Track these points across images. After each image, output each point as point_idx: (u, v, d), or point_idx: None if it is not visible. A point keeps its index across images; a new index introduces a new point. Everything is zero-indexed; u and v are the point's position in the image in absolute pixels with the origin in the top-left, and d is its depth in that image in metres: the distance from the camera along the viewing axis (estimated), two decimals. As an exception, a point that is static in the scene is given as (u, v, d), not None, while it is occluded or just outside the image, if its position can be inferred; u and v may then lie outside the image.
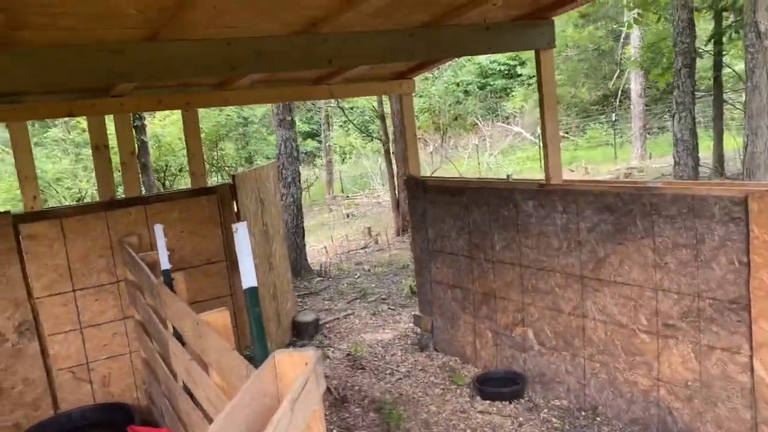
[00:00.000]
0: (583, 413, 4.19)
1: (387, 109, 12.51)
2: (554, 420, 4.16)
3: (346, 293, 7.82)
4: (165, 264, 3.17)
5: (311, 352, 1.84)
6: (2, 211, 4.26)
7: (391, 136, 11.52)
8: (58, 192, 20.41)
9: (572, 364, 4.31)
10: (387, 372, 5.23)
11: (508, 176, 4.73)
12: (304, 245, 8.66)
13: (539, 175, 19.27)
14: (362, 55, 3.63)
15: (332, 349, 5.91)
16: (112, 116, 4.80)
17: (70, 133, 21.75)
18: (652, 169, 15.23)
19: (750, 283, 3.25)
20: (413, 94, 5.58)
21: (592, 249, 4.04)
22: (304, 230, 8.63)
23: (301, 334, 6.30)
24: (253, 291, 1.93)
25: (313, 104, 22.61)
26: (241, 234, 1.90)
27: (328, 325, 6.62)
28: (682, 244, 3.54)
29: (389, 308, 6.96)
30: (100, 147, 4.53)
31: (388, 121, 11.84)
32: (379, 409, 4.53)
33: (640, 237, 3.75)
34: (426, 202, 5.44)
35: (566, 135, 23.43)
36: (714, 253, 3.40)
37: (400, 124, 5.58)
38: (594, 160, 19.94)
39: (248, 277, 1.92)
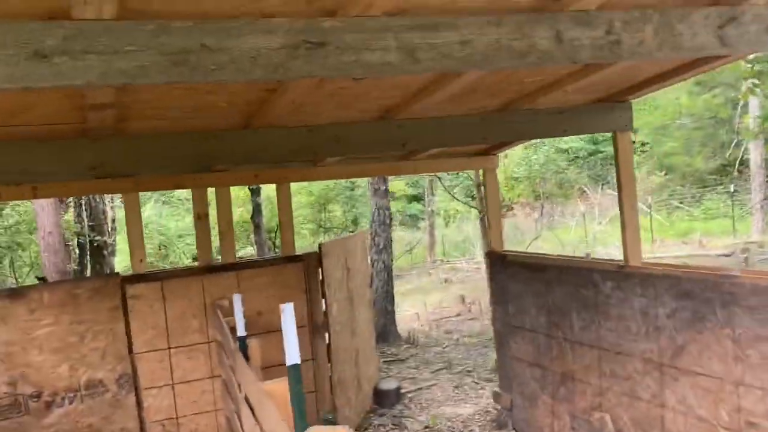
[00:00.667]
0: None
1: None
2: None
3: (432, 362, 7.83)
4: (241, 331, 3.42)
5: (343, 429, 1.98)
6: (114, 272, 4.76)
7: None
8: (178, 248, 21.96)
9: (651, 456, 4.10)
10: (462, 448, 5.19)
11: (587, 255, 4.68)
12: (394, 311, 8.81)
13: (647, 247, 18.50)
14: (435, 140, 3.83)
15: (411, 419, 5.94)
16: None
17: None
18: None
19: (838, 385, 3.03)
20: (496, 169, 5.70)
21: (671, 336, 3.90)
22: (393, 296, 8.80)
23: (382, 401, 6.37)
24: (296, 368, 2.10)
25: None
26: (288, 314, 2.09)
27: (410, 395, 6.65)
28: (765, 336, 3.36)
29: (473, 381, 6.89)
30: (201, 216, 4.98)
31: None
32: (448, 487, 4.50)
33: (720, 327, 3.59)
34: (506, 276, 5.46)
35: (680, 205, 22.37)
36: (798, 349, 3.20)
37: (485, 198, 5.69)
38: (711, 232, 18.85)
39: (292, 355, 2.09)
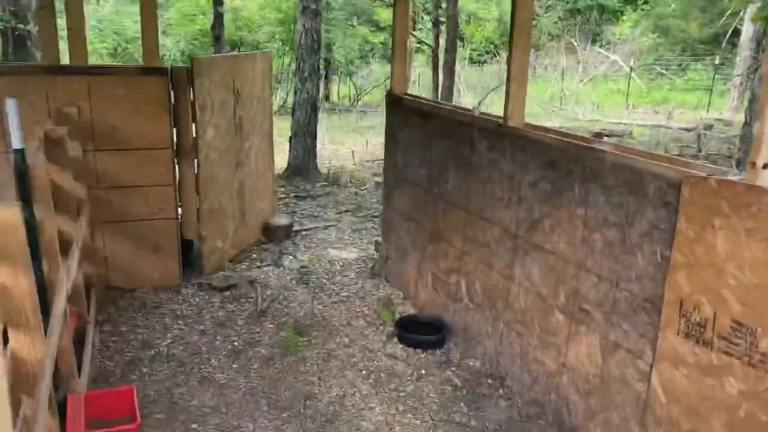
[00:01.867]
0: (489, 381, 3.83)
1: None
2: (456, 381, 3.82)
3: (343, 203, 7.54)
4: (16, 143, 2.93)
5: None
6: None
7: (443, 44, 10.73)
8: (133, 49, 20.53)
9: (493, 326, 3.91)
10: (327, 293, 5.00)
11: (474, 108, 4.15)
12: (315, 146, 8.35)
13: (618, 112, 17.88)
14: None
15: (291, 257, 5.72)
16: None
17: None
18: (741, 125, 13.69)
19: (666, 283, 2.70)
20: (409, -1, 4.97)
21: (530, 207, 3.52)
22: (316, 130, 8.29)
23: (271, 237, 6.12)
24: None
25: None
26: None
27: (304, 233, 6.41)
28: (613, 222, 2.98)
29: (373, 227, 6.63)
30: (46, 6, 4.28)
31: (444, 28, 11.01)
32: (292, 329, 4.32)
33: (575, 205, 3.20)
34: (399, 122, 4.96)
35: (664, 72, 21.43)
36: (640, 240, 2.84)
37: (393, 29, 4.99)
38: (686, 104, 18.22)
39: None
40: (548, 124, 13.31)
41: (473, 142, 3.98)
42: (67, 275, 3.36)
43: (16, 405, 2.34)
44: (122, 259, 4.81)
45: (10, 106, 2.88)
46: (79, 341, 3.88)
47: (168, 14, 21.42)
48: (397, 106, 4.98)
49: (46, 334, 2.69)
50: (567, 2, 26.26)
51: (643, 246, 2.83)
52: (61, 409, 3.19)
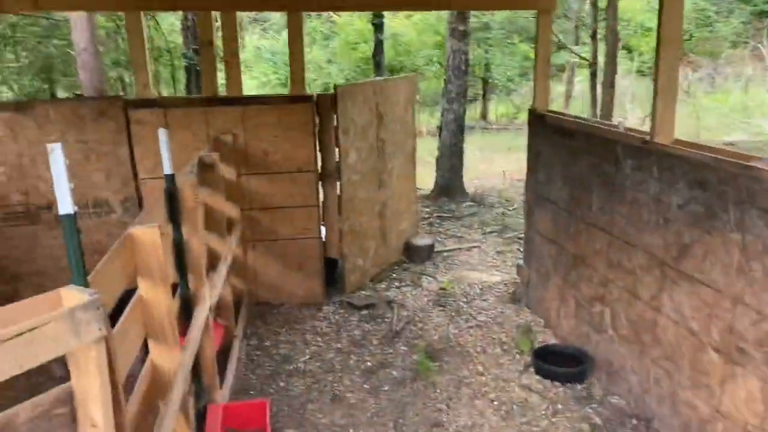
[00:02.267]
0: (634, 422, 3.49)
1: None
2: (596, 419, 3.53)
3: (488, 224, 7.38)
4: (167, 168, 3.20)
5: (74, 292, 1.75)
6: (115, 95, 4.69)
7: (602, 58, 10.21)
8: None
9: (639, 362, 3.57)
10: (464, 317, 4.89)
11: (619, 123, 3.85)
12: (461, 167, 8.28)
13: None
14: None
15: (431, 279, 5.68)
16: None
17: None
18: None
19: (841, 325, 2.29)
20: (552, 11, 4.77)
21: (679, 231, 3.18)
22: (462, 151, 8.23)
23: (412, 257, 6.14)
24: (68, 219, 1.83)
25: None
26: (56, 155, 1.78)
27: (445, 254, 6.35)
28: (775, 250, 2.60)
29: (518, 249, 6.41)
30: (205, 44, 4.68)
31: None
32: (423, 353, 4.27)
33: (729, 229, 2.84)
34: (542, 140, 4.75)
35: None
36: (809, 272, 2.44)
37: (536, 45, 4.82)
38: None
39: (63, 203, 1.82)
40: (726, 139, 12.11)
41: (618, 160, 3.70)
42: (213, 290, 3.60)
43: (152, 409, 2.53)
44: (270, 276, 5.08)
45: (162, 136, 3.17)
46: (225, 353, 4.14)
47: (333, 44, 22.63)
48: (540, 123, 4.78)
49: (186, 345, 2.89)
50: (755, 4, 23.89)
51: (812, 279, 2.43)
52: (201, 417, 3.40)
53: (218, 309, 4.28)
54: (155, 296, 2.57)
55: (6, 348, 1.49)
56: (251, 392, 3.89)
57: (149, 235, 2.51)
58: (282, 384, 3.97)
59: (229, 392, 3.81)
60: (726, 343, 2.90)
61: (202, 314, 3.21)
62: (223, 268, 3.91)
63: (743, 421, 2.80)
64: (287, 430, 3.50)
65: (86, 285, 1.89)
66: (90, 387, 1.77)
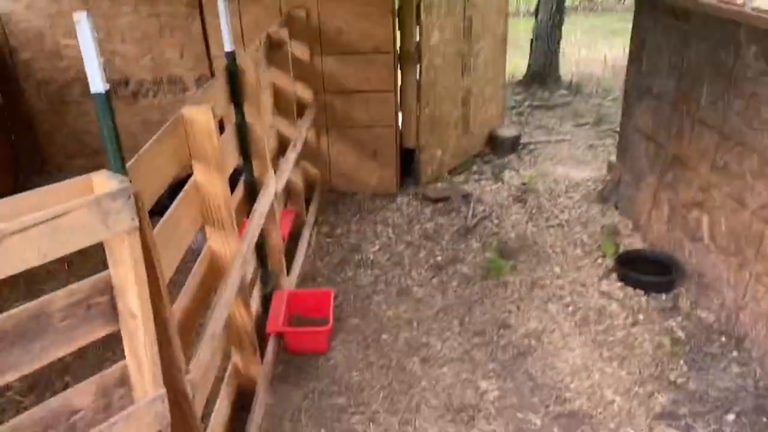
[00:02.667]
0: (723, 339, 3.21)
1: None
2: (680, 333, 3.27)
3: (582, 115, 6.84)
4: (228, 45, 2.99)
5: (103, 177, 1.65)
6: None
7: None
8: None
9: (737, 276, 3.22)
10: (545, 215, 4.60)
11: (744, 2, 3.25)
12: (557, 51, 7.62)
13: None
14: None
15: (512, 173, 5.37)
16: None
17: None
18: None
19: None
20: None
21: (805, 134, 2.71)
22: (558, 33, 7.53)
23: (495, 149, 5.81)
24: (100, 98, 1.68)
25: None
26: (83, 26, 1.61)
27: (531, 146, 5.96)
28: None
29: (613, 144, 5.92)
30: None
31: None
32: (497, 250, 4.07)
33: None
34: (648, 23, 4.17)
35: None
36: None
37: None
38: None
39: (93, 81, 1.66)
40: None
41: (738, 47, 3.17)
42: (280, 176, 3.49)
43: (209, 294, 2.50)
44: (344, 164, 4.93)
45: (220, 5, 2.94)
46: (295, 240, 4.11)
47: None
48: (649, 2, 4.19)
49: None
50: None
51: None
52: (266, 302, 3.41)
53: (288, 195, 4.22)
54: (210, 182, 2.46)
55: (27, 236, 1.40)
56: (319, 280, 3.86)
57: (202, 115, 2.36)
58: (350, 274, 3.91)
59: (296, 279, 3.79)
60: None
61: (265, 201, 3.11)
62: (292, 154, 3.78)
63: None
64: (351, 320, 3.47)
65: (123, 170, 1.77)
66: (126, 278, 1.69)
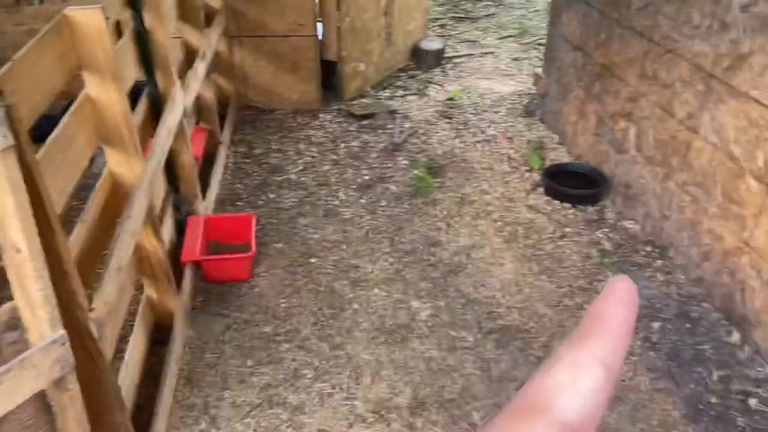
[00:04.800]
0: (648, 249, 3.25)
1: None
2: (606, 245, 3.29)
3: (506, 27, 6.67)
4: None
5: None
6: None
7: None
8: None
9: (662, 186, 3.23)
10: (471, 131, 4.48)
11: None
12: (481, -40, 7.33)
13: None
14: None
15: (438, 88, 5.19)
16: None
17: None
18: None
19: None
20: None
21: (737, 39, 2.65)
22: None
23: (419, 62, 5.58)
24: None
25: None
26: None
27: (456, 60, 5.78)
28: None
29: (537, 56, 5.82)
30: None
31: None
32: (425, 168, 3.94)
33: (805, 36, 2.32)
34: (579, -77, 3.98)
35: None
36: None
37: None
38: None
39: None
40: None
41: (671, -52, 3.04)
42: (188, 90, 3.17)
43: (113, 222, 2.24)
44: (261, 78, 4.60)
45: None
46: (210, 161, 3.82)
47: None
48: None
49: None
50: None
51: None
52: (181, 229, 3.16)
53: (200, 112, 3.89)
54: (106, 95, 2.15)
55: None
56: (238, 203, 3.62)
57: (91, 18, 2.03)
58: (272, 196, 3.70)
59: (213, 203, 3.54)
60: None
61: (172, 117, 2.81)
62: (201, 66, 3.44)
63: (775, 257, 2.52)
64: (276, 245, 3.28)
65: (-7, 78, 1.48)
66: (4, 207, 1.43)
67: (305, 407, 2.39)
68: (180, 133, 2.96)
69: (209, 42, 3.68)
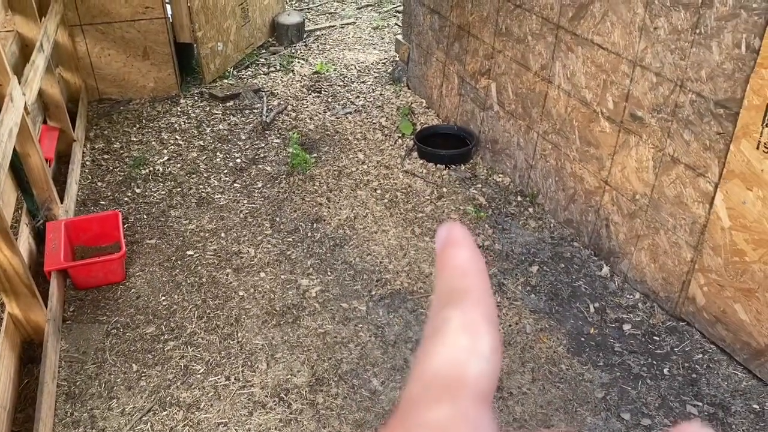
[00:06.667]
0: (519, 198, 3.39)
1: None
2: (481, 199, 3.40)
3: (364, -3, 6.66)
4: None
5: None
6: None
7: None
8: None
9: (525, 137, 3.38)
10: (341, 102, 4.46)
11: None
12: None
13: None
14: None
15: (302, 62, 5.10)
16: None
17: None
18: None
19: (749, 82, 2.09)
20: None
21: (577, -11, 2.80)
22: None
23: (280, 38, 5.46)
24: None
25: None
26: None
27: (318, 33, 5.71)
28: (684, 2, 2.29)
29: (397, 24, 5.87)
30: None
31: None
32: (298, 144, 3.88)
33: (636, -19, 2.48)
34: None
35: None
36: (719, 26, 2.17)
37: None
38: None
39: None
40: None
41: None
42: (28, 86, 2.89)
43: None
44: (111, 68, 4.30)
45: None
46: (66, 161, 3.55)
47: None
48: None
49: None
50: None
51: (721, 34, 2.17)
52: (40, 237, 2.92)
53: (47, 110, 3.58)
54: (-75, 97, 1.92)
55: None
56: (102, 203, 3.39)
57: None
58: (138, 190, 3.49)
59: (74, 205, 3.29)
60: (620, 112, 2.70)
61: (12, 116, 2.56)
62: (39, 58, 3.15)
63: (632, 191, 2.71)
64: (148, 241, 3.11)
65: None
66: None
67: (200, 403, 2.30)
68: (24, 133, 2.70)
69: (47, 32, 3.37)
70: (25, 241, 2.76)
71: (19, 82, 2.73)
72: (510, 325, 2.65)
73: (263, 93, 4.51)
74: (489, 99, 3.64)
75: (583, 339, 2.61)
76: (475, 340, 0.26)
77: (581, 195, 3.04)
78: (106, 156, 3.78)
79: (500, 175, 3.58)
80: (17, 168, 2.77)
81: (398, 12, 6.15)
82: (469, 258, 0.29)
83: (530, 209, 3.30)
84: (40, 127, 3.42)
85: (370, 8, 6.37)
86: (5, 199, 2.55)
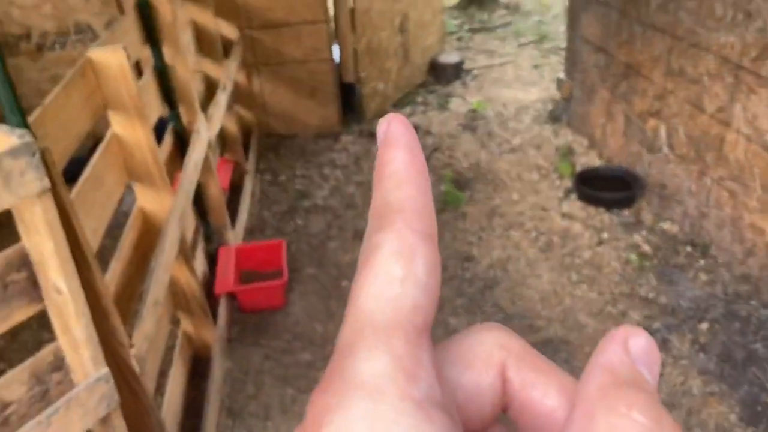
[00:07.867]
0: (688, 249, 3.15)
1: None
2: (646, 247, 3.20)
3: (524, 34, 6.64)
4: (135, -23, 2.64)
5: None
6: None
7: None
8: None
9: (698, 183, 3.14)
10: (496, 141, 4.44)
11: None
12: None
13: None
14: None
15: (460, 100, 5.16)
16: None
17: None
18: None
19: None
20: None
21: (763, 27, 2.58)
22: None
23: (438, 77, 5.57)
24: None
25: None
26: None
27: (476, 71, 5.75)
28: None
29: (558, 61, 5.76)
30: None
31: None
32: (451, 182, 3.90)
33: (838, 18, 2.24)
34: (590, -74, 3.95)
35: None
36: None
37: None
38: None
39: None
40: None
41: (688, -58, 2.99)
42: (211, 122, 3.19)
43: (147, 260, 2.24)
44: (280, 105, 4.62)
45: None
46: (237, 191, 3.84)
47: None
48: None
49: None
50: None
51: None
52: (213, 260, 3.16)
53: (224, 143, 3.91)
54: (132, 133, 2.17)
55: None
56: (267, 231, 3.62)
57: (112, 57, 2.05)
58: (300, 222, 3.69)
59: (243, 232, 3.55)
60: (813, 160, 2.43)
61: (198, 150, 2.82)
62: (222, 97, 3.46)
63: (825, 248, 2.42)
64: (307, 270, 3.26)
65: (25, 125, 1.49)
66: (43, 249, 1.43)
67: (349, 434, 2.35)
68: (206, 165, 2.97)
69: (228, 73, 3.71)
70: (200, 264, 3.00)
71: (205, 119, 3.02)
72: (674, 385, 2.44)
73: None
74: (658, 141, 3.44)
75: (759, 408, 2.34)
76: (410, 266, 0.23)
77: (761, 249, 2.76)
78: (273, 187, 4.05)
79: (667, 222, 3.36)
80: (197, 196, 3.05)
81: (560, 49, 6.05)
82: (407, 162, 0.26)
83: (701, 261, 3.05)
84: (218, 159, 3.74)
85: (530, 45, 6.33)
86: (187, 224, 2.80)
